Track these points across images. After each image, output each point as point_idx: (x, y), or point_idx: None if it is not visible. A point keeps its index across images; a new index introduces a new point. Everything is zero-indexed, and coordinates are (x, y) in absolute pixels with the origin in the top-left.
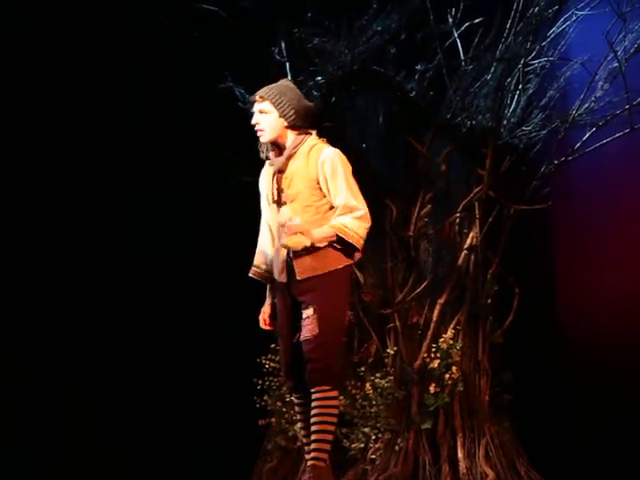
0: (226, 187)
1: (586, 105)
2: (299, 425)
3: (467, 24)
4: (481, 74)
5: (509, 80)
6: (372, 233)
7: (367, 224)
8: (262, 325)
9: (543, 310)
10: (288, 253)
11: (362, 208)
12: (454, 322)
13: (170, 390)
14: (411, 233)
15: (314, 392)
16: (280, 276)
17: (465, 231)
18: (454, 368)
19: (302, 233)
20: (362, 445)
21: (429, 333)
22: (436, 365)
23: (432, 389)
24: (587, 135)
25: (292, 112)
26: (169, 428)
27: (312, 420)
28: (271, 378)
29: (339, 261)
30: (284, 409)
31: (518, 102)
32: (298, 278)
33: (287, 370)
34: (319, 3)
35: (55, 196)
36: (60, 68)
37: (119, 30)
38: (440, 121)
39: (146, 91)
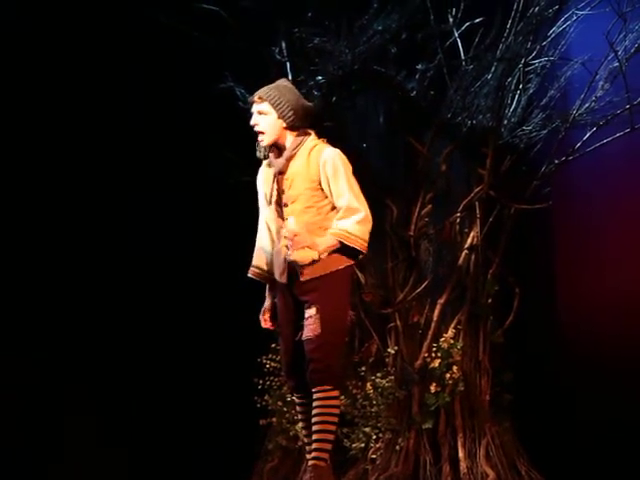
0: (226, 187)
1: (586, 105)
2: (300, 425)
3: (468, 24)
4: (482, 74)
5: (509, 80)
6: (373, 233)
7: (369, 225)
8: (263, 325)
9: (543, 310)
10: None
11: (363, 210)
12: (455, 322)
13: (170, 390)
14: (411, 233)
15: (315, 392)
16: (281, 277)
17: (465, 231)
18: (455, 368)
19: (309, 247)
20: (363, 445)
21: (430, 333)
22: (437, 365)
23: (433, 389)
24: (587, 135)
25: (291, 113)
26: (169, 428)
27: (313, 420)
28: (272, 378)
29: (341, 261)
30: (285, 409)
31: (519, 102)
32: (301, 279)
33: (288, 370)
34: (319, 3)
35: (55, 196)
36: (60, 68)
37: (119, 30)
38: (440, 121)
39: (146, 91)
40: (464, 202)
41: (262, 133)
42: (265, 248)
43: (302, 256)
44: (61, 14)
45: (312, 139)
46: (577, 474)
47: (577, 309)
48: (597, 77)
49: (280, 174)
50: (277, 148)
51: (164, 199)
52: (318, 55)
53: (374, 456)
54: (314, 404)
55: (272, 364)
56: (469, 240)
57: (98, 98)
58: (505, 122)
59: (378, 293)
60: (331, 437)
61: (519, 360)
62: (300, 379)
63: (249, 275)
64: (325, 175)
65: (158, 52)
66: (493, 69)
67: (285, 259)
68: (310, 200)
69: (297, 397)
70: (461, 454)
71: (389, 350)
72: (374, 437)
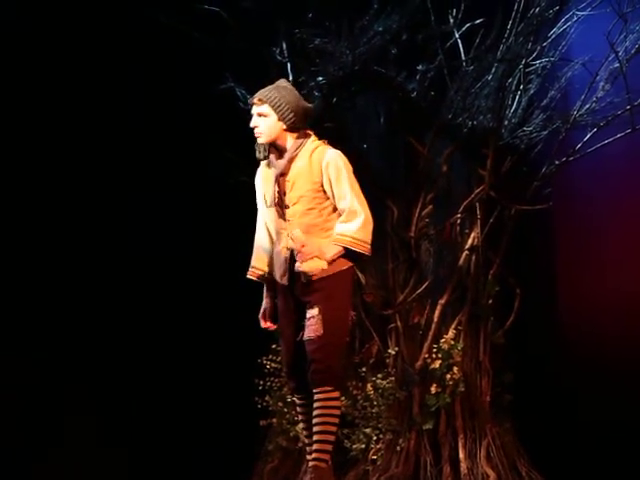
0: (226, 187)
1: (587, 106)
2: (300, 426)
3: (468, 25)
4: (482, 75)
5: (510, 81)
6: (373, 234)
7: (371, 227)
8: (263, 325)
9: (544, 311)
10: (291, 257)
11: (365, 211)
12: (455, 323)
13: (171, 390)
14: (412, 234)
15: (316, 393)
16: (282, 278)
17: (466, 232)
18: (455, 369)
19: (318, 257)
20: (363, 446)
21: (430, 334)
22: (437, 366)
23: (433, 390)
24: (588, 136)
25: (291, 115)
26: (170, 428)
27: (314, 421)
28: (272, 378)
29: (343, 263)
30: (285, 410)
31: (519, 103)
32: (304, 281)
33: (289, 371)
34: (320, 3)
35: (55, 196)
36: (60, 68)
37: (119, 30)
38: (441, 122)
39: (146, 91)
40: (465, 203)
41: (262, 135)
42: (264, 249)
43: (311, 266)
44: (61, 14)
45: (313, 140)
46: (578, 475)
47: (578, 310)
48: (598, 78)
49: (282, 176)
50: (277, 149)
51: (164, 199)
52: (319, 56)
53: (375, 457)
54: (315, 405)
55: (272, 365)
56: (470, 241)
57: (98, 98)
58: (506, 123)
59: (379, 294)
60: (332, 438)
61: (520, 361)
62: (301, 380)
63: (248, 276)
64: (328, 177)
65: (158, 52)
66: (494, 70)
67: (286, 261)
68: (312, 202)
69: (298, 398)
70: (462, 455)
71: (390, 351)
72: (375, 438)
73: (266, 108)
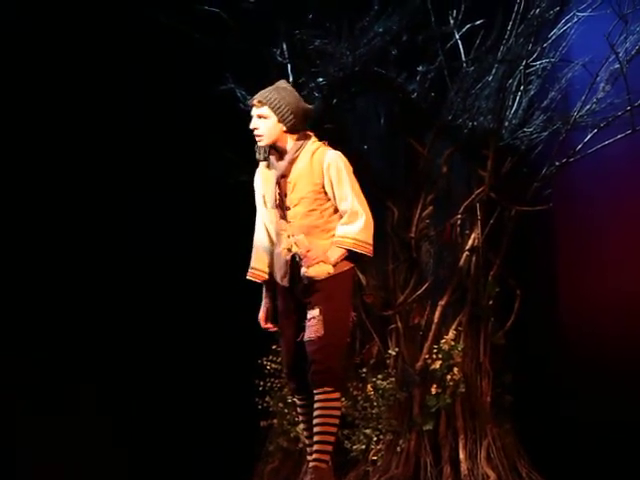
0: (226, 187)
1: (587, 106)
2: (301, 426)
3: (468, 26)
4: (482, 76)
5: (510, 82)
6: (374, 235)
7: (372, 227)
8: (263, 325)
9: (545, 312)
10: (292, 259)
11: (366, 212)
12: (455, 323)
13: (171, 391)
14: (412, 235)
15: (317, 393)
16: (283, 280)
17: (466, 232)
18: (455, 369)
19: (323, 261)
20: (363, 446)
21: (430, 334)
22: (437, 366)
23: (433, 390)
24: (589, 136)
25: (291, 116)
26: (170, 429)
27: (314, 421)
28: (273, 379)
29: (343, 264)
30: (286, 410)
31: (519, 103)
32: (305, 283)
33: (289, 372)
34: (320, 4)
35: (55, 196)
36: (60, 68)
37: (119, 30)
38: (441, 122)
39: (146, 91)
40: (465, 204)
41: (261, 137)
42: (264, 250)
43: (317, 271)
44: (61, 14)
45: (313, 142)
46: (578, 476)
47: (579, 311)
48: (598, 79)
49: (282, 177)
50: (277, 151)
51: (164, 199)
52: (319, 57)
53: (375, 458)
54: (315, 406)
55: (273, 365)
56: (470, 242)
57: (98, 98)
58: (506, 124)
59: (379, 295)
60: (332, 439)
61: (520, 362)
62: (301, 381)
63: (248, 277)
64: (329, 178)
65: (158, 53)
66: (494, 71)
67: (287, 262)
68: (313, 203)
69: (298, 399)
70: (462, 456)
71: (390, 352)
72: (375, 439)
73: (266, 110)
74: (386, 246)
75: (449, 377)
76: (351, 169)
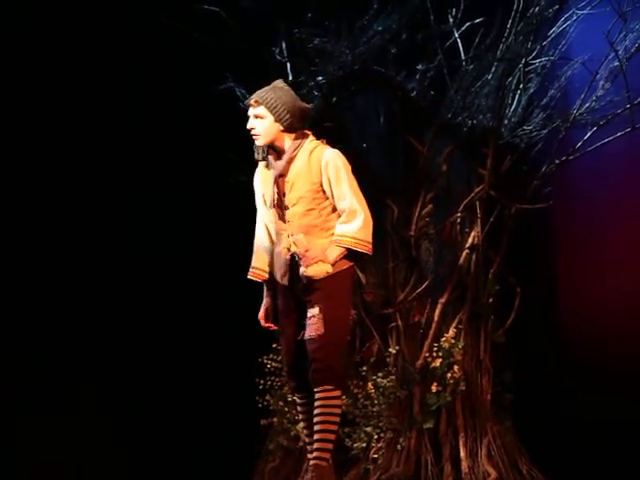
0: (226, 187)
1: (587, 104)
2: (301, 425)
3: (468, 24)
4: (482, 74)
5: (510, 80)
6: (373, 233)
7: (371, 226)
8: (263, 324)
9: (545, 310)
10: (292, 259)
11: (364, 210)
12: (456, 321)
13: (171, 390)
14: (412, 233)
15: (317, 392)
16: (283, 279)
17: (466, 231)
18: (456, 367)
19: (322, 261)
20: (364, 444)
21: (431, 332)
22: (438, 364)
23: (434, 388)
24: (588, 134)
25: (288, 116)
26: (170, 428)
27: (315, 420)
28: (273, 378)
29: (343, 262)
30: (286, 409)
31: (519, 101)
32: (305, 282)
33: (289, 370)
34: (320, 3)
35: (55, 196)
36: (60, 68)
37: (119, 30)
38: (441, 121)
39: (146, 91)
40: (465, 202)
41: (259, 136)
42: (264, 249)
43: (316, 270)
44: (61, 14)
45: (311, 140)
46: (578, 473)
47: (578, 309)
48: (597, 77)
49: (281, 177)
50: (275, 151)
51: (164, 199)
52: (318, 55)
53: (375, 456)
54: (315, 404)
55: (273, 364)
56: (470, 240)
57: (98, 98)
58: (505, 122)
59: (379, 293)
60: (332, 437)
61: (520, 360)
62: (301, 379)
63: (249, 277)
64: (327, 177)
65: (158, 52)
66: (493, 69)
67: (287, 261)
68: (312, 202)
69: (298, 397)
70: (462, 454)
71: (390, 350)
72: (375, 437)
73: (262, 110)
74: (386, 244)
75: (449, 375)
76: (349, 167)
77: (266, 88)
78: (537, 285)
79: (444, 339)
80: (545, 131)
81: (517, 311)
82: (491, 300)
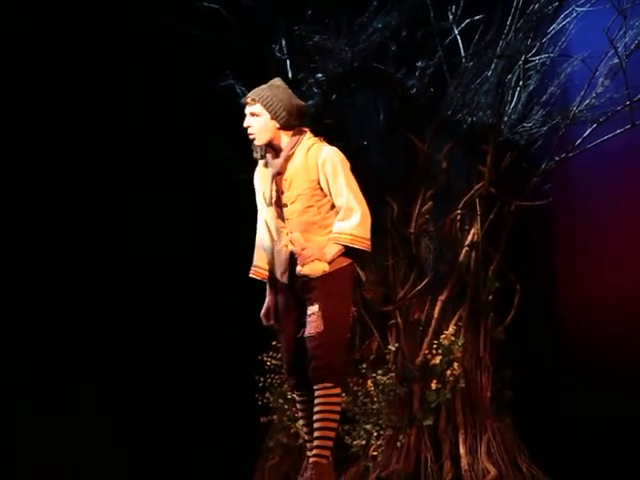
0: (226, 186)
1: (587, 101)
2: (301, 422)
3: (467, 21)
4: (482, 71)
5: (510, 77)
6: (373, 231)
7: (369, 222)
8: (265, 322)
9: (544, 307)
10: (292, 256)
11: (362, 207)
12: (455, 318)
13: (171, 388)
14: (412, 230)
15: (317, 389)
16: (282, 276)
17: (466, 228)
18: (455, 364)
19: (319, 259)
20: (364, 442)
21: (430, 330)
22: (437, 362)
23: (434, 385)
24: (588, 131)
25: (284, 113)
26: (170, 426)
27: (314, 417)
28: (273, 375)
29: (342, 260)
30: (286, 406)
31: (519, 99)
32: (305, 280)
33: (289, 368)
34: (319, 0)
35: (55, 196)
36: (60, 68)
37: (119, 30)
38: (441, 118)
39: (146, 90)
40: (464, 199)
41: (255, 134)
42: (265, 247)
43: (313, 269)
44: (61, 14)
45: (308, 138)
46: (578, 470)
47: (578, 306)
48: (597, 74)
49: (278, 175)
50: (273, 149)
51: (164, 198)
52: (318, 53)
53: (375, 453)
54: (315, 401)
55: (273, 362)
56: (470, 237)
57: (98, 97)
58: (505, 119)
59: (379, 290)
60: (332, 434)
61: (520, 356)
62: (301, 376)
63: (251, 275)
64: (324, 175)
65: (158, 51)
66: (493, 66)
67: (286, 259)
68: (310, 200)
69: (298, 394)
70: (462, 451)
71: (390, 347)
72: (375, 434)
73: (258, 107)
74: (386, 242)
75: (449, 372)
76: (348, 164)
77: (262, 86)
78: (537, 282)
79: (444, 336)
80: (545, 128)
81: (517, 308)
82: (491, 297)
